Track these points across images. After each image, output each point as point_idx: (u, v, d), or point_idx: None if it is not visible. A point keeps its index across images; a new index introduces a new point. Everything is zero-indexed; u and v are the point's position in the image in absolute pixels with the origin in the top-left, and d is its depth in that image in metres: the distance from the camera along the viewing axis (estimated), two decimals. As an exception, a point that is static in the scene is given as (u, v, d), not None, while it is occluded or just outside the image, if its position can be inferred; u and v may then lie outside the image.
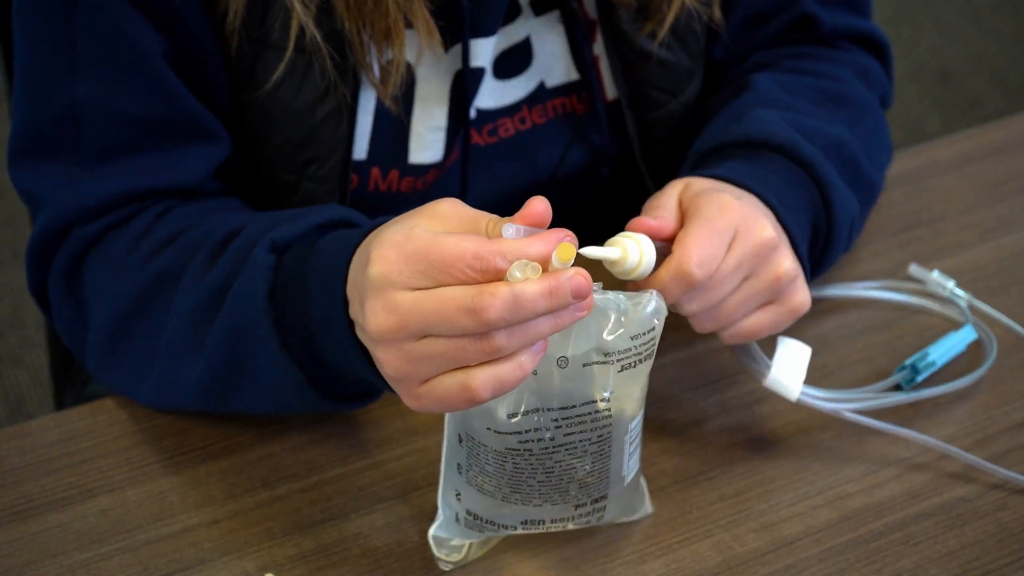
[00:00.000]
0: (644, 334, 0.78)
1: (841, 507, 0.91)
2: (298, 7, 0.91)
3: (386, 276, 0.72)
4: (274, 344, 0.83)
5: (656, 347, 0.80)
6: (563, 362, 0.77)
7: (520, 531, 0.84)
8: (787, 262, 0.89)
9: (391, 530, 0.89)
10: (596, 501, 0.84)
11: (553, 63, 1.05)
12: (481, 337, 0.71)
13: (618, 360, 0.78)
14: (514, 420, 0.78)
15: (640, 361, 0.79)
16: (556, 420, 0.78)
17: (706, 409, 0.97)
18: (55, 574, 0.86)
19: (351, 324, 0.78)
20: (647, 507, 0.90)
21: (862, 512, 0.91)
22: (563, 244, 0.71)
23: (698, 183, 0.91)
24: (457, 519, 0.85)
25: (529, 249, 0.71)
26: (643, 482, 0.89)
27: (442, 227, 0.73)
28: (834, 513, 0.91)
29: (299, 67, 0.94)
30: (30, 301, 1.01)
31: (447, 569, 0.86)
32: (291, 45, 0.93)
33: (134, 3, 0.90)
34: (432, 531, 0.86)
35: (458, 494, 0.84)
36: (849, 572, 0.87)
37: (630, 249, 0.80)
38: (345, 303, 0.78)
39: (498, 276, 0.70)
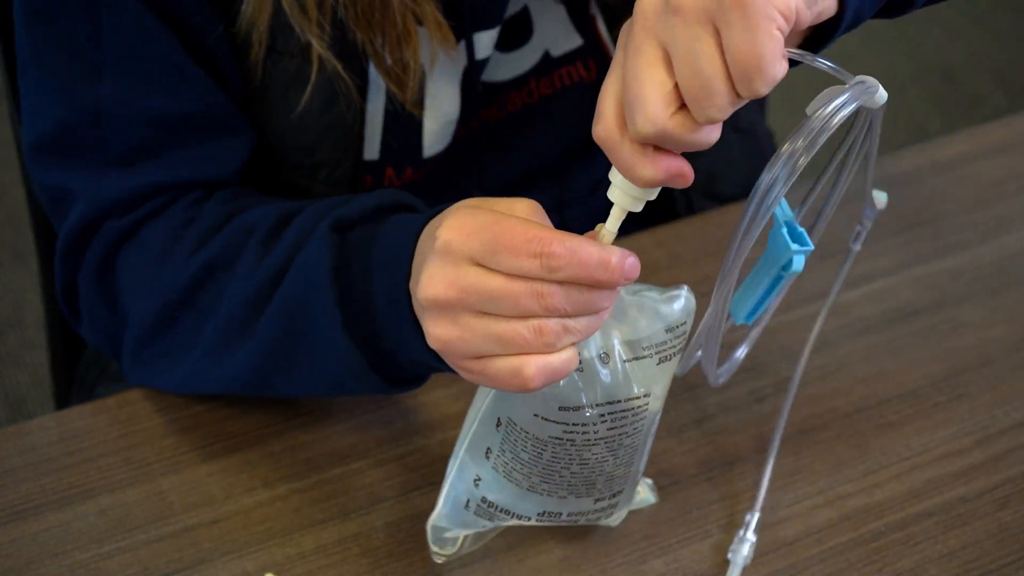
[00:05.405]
0: (677, 327, 0.78)
1: (841, 507, 0.91)
2: (308, 25, 0.91)
3: (449, 243, 0.72)
4: (335, 319, 0.82)
5: (685, 343, 0.80)
6: (605, 357, 0.77)
7: (534, 522, 0.84)
8: None
9: (391, 530, 0.89)
10: (613, 496, 0.84)
11: (555, 30, 1.04)
12: (537, 330, 0.70)
13: (656, 353, 0.78)
14: (564, 411, 0.78)
15: (673, 355, 0.79)
16: (603, 415, 0.78)
17: (706, 409, 0.97)
18: (55, 574, 0.86)
19: (412, 305, 0.77)
20: (649, 496, 0.90)
21: (862, 512, 0.91)
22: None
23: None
24: (467, 505, 0.84)
25: (589, 250, 0.69)
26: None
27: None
28: (834, 513, 0.91)
29: (306, 74, 0.94)
30: (30, 301, 1.00)
31: (439, 562, 0.86)
32: (300, 55, 0.93)
33: (149, 5, 0.90)
34: (431, 521, 0.85)
35: (477, 479, 0.83)
36: (849, 572, 0.87)
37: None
38: (408, 292, 0.78)
39: (553, 270, 0.70)
